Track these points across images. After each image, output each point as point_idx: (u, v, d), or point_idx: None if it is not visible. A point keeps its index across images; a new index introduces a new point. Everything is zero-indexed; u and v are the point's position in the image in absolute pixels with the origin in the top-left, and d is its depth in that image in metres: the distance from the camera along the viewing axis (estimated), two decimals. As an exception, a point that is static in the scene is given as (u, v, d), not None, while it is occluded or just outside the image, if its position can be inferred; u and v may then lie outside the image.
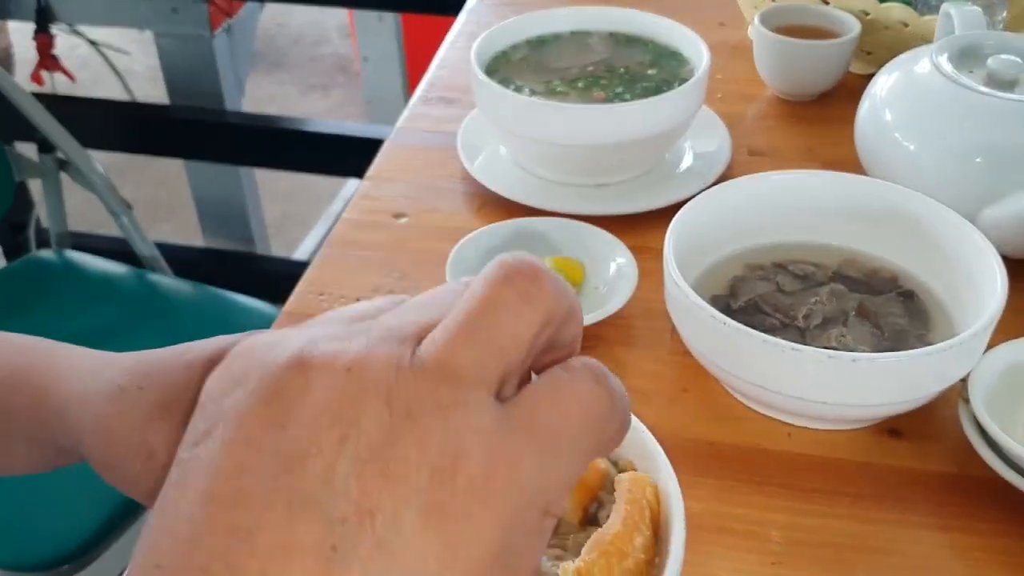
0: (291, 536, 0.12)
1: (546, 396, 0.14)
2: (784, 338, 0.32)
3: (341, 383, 0.13)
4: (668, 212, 0.39)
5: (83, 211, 1.13)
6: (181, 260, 1.00)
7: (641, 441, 0.20)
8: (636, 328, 0.41)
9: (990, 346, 0.34)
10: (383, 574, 0.12)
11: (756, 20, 0.55)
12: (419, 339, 0.14)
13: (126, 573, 0.14)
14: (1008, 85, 0.42)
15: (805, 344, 0.33)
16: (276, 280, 0.88)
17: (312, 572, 0.12)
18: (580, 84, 0.50)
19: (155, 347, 0.29)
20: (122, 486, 0.27)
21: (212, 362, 0.28)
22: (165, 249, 0.95)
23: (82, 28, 1.27)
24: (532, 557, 0.13)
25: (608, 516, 0.18)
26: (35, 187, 1.09)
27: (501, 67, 0.51)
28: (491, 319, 0.14)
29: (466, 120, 0.53)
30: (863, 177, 0.41)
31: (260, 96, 1.86)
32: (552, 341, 0.15)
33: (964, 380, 0.33)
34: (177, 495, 0.13)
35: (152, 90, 1.59)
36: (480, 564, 0.12)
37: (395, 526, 0.12)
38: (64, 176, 0.90)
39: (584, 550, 0.17)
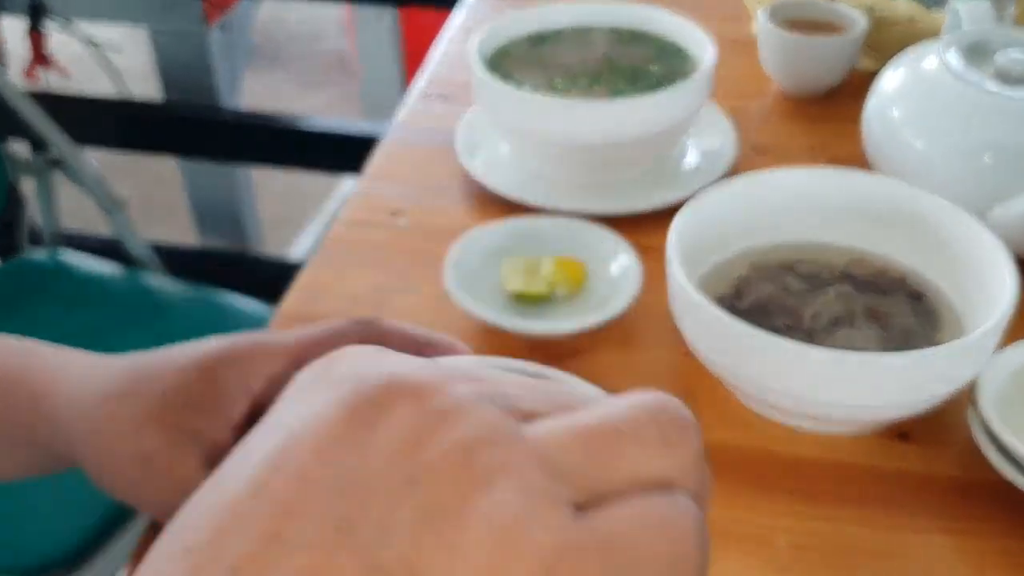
0: (327, 565, 0.11)
1: (629, 515, 0.12)
2: (791, 339, 0.32)
3: (432, 423, 0.12)
4: (671, 210, 0.38)
5: (76, 210, 1.12)
6: (175, 259, 0.99)
7: None
8: (639, 329, 0.40)
9: (1000, 347, 0.33)
10: None
11: (761, 15, 0.54)
12: (525, 418, 0.13)
13: (157, 544, 0.12)
14: (1017, 81, 0.42)
15: (812, 345, 0.32)
16: (271, 280, 0.87)
17: None
18: (582, 80, 0.49)
19: (149, 347, 0.29)
20: (117, 492, 0.27)
21: (206, 365, 0.28)
22: (158, 248, 0.94)
23: (75, 23, 1.26)
24: None
25: None
26: (27, 186, 1.08)
27: (501, 62, 0.50)
28: (618, 440, 0.13)
29: (465, 117, 0.53)
30: (870, 175, 0.41)
31: (256, 93, 1.84)
32: None
33: (973, 382, 0.33)
34: (233, 474, 0.12)
35: (146, 87, 1.58)
36: None
37: None
38: (57, 174, 0.89)
39: None
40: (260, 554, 0.11)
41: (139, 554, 0.31)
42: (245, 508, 0.12)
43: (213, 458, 0.26)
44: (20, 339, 0.30)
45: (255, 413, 0.28)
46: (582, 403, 0.14)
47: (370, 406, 0.12)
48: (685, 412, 0.14)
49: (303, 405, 0.13)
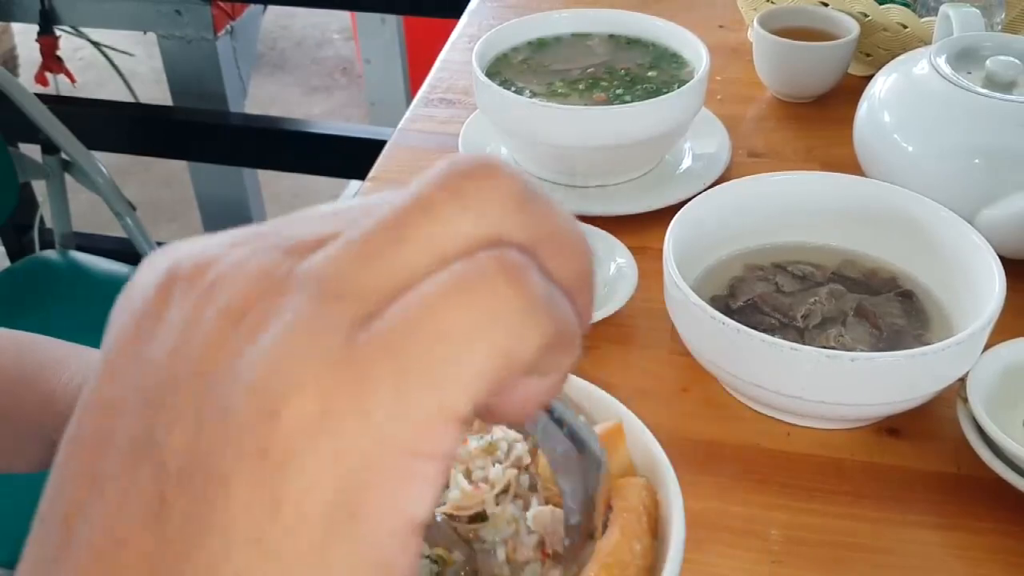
0: (133, 488, 0.10)
1: (417, 304, 0.10)
2: (783, 338, 0.33)
3: (201, 301, 0.11)
4: (668, 213, 0.39)
5: (87, 212, 1.14)
6: (184, 261, 1.00)
7: (641, 441, 0.20)
8: (636, 328, 0.41)
9: (988, 346, 0.34)
10: (201, 532, 0.10)
11: (755, 22, 0.55)
12: (309, 251, 0.11)
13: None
14: (1006, 86, 0.43)
15: (804, 344, 0.33)
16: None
17: (142, 520, 0.10)
18: (581, 86, 0.50)
19: None
20: None
21: None
22: (168, 250, 0.95)
23: (85, 30, 1.28)
24: (398, 512, 0.10)
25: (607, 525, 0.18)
26: (39, 188, 1.10)
27: (502, 69, 0.51)
28: (400, 227, 0.10)
29: (467, 121, 0.54)
30: (862, 178, 0.41)
31: (263, 98, 1.86)
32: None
33: (963, 380, 0.33)
34: (65, 437, 0.12)
35: (155, 92, 1.60)
36: (313, 523, 0.10)
37: (218, 476, 0.10)
38: (68, 177, 0.91)
39: (587, 569, 0.17)
40: (83, 499, 0.11)
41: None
42: (62, 457, 0.12)
43: None
44: (32, 335, 0.30)
45: None
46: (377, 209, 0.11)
47: (153, 304, 0.11)
48: (481, 158, 0.11)
49: (111, 329, 0.12)
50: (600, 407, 0.22)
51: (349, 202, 0.12)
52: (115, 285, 0.86)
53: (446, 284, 0.10)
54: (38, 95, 0.87)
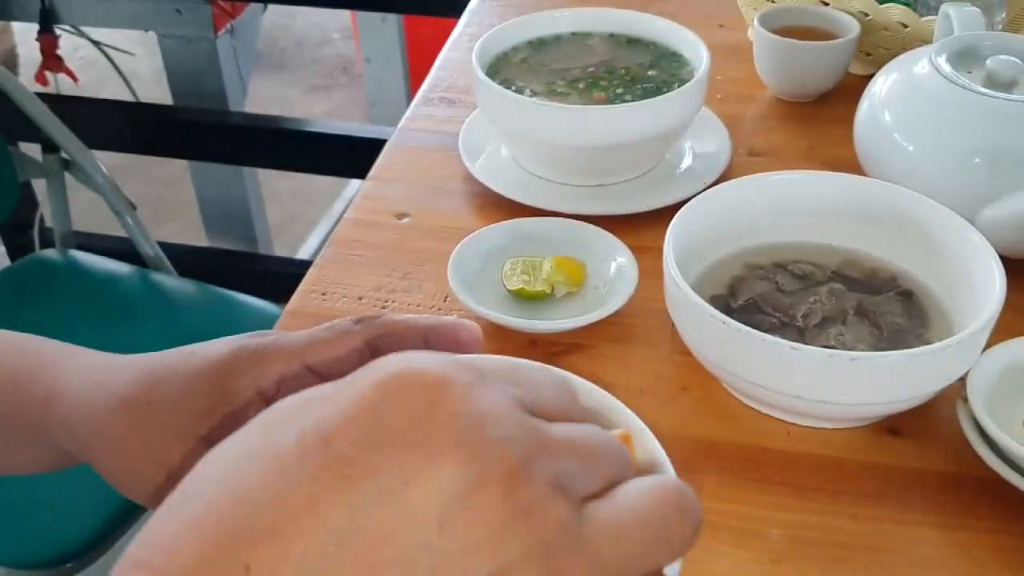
0: None
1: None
2: (783, 337, 0.33)
3: (516, 520, 0.14)
4: (668, 212, 0.39)
5: (87, 211, 1.14)
6: (185, 260, 1.01)
7: (642, 440, 0.20)
8: (636, 327, 0.41)
9: (989, 345, 0.34)
10: None
11: (756, 21, 0.55)
12: (584, 503, 0.15)
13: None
14: (1007, 86, 0.43)
15: (804, 343, 0.33)
16: (279, 280, 0.88)
17: None
18: (581, 85, 0.50)
19: (158, 347, 0.29)
20: (138, 497, 0.27)
21: (217, 372, 0.28)
22: (169, 249, 0.95)
23: (86, 29, 1.27)
24: None
25: None
26: (39, 187, 1.10)
27: (502, 68, 0.51)
28: (651, 543, 0.15)
29: (468, 120, 0.54)
30: (862, 178, 0.41)
31: (263, 97, 1.86)
32: None
33: (963, 379, 0.34)
34: (294, 500, 0.13)
35: (156, 91, 1.60)
36: None
37: None
38: (68, 176, 0.91)
39: None
40: None
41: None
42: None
43: None
44: (32, 337, 0.30)
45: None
46: (619, 470, 0.16)
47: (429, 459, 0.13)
48: (699, 510, 0.16)
49: (387, 441, 0.14)
50: (601, 407, 0.22)
51: (591, 431, 0.16)
52: (114, 284, 0.86)
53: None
54: (38, 94, 0.87)
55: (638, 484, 0.16)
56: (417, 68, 1.39)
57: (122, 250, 0.93)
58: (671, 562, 0.15)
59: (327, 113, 1.89)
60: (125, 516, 0.65)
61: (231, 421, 0.26)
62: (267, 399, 0.27)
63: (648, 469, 0.20)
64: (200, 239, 1.35)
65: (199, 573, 0.12)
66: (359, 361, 0.29)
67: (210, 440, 0.26)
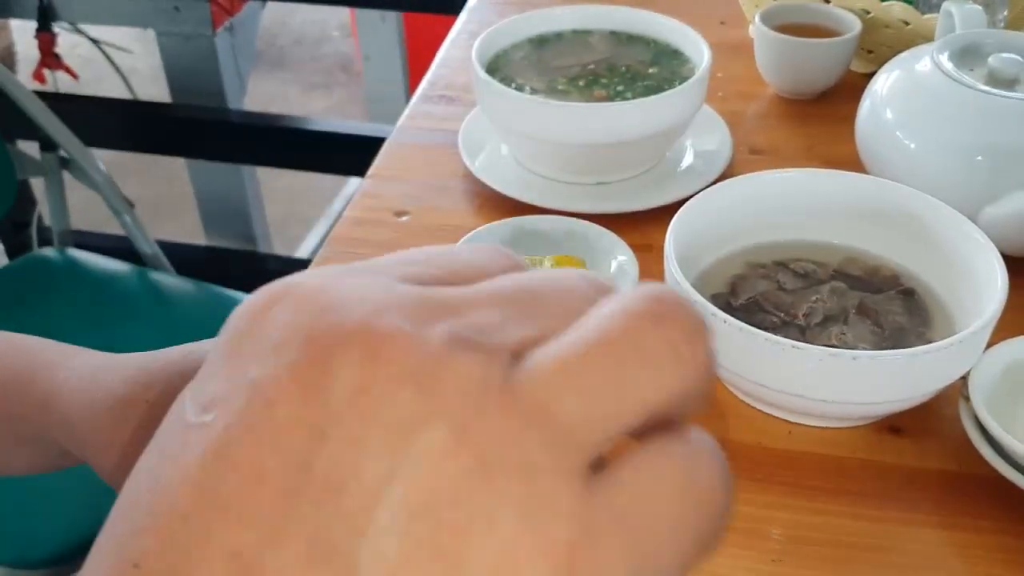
0: None
1: (648, 478, 0.10)
2: (785, 336, 0.32)
3: (407, 395, 0.10)
4: (669, 210, 0.39)
5: (85, 209, 1.14)
6: (183, 258, 1.00)
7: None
8: (637, 326, 0.41)
9: (991, 344, 0.34)
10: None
11: (757, 18, 0.55)
12: (515, 354, 0.10)
13: (96, 557, 0.10)
14: (1009, 84, 0.42)
15: (806, 342, 0.33)
16: (278, 278, 0.88)
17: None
18: (581, 83, 0.50)
19: (157, 346, 0.29)
20: None
21: None
22: (167, 247, 0.95)
23: (84, 27, 1.27)
24: None
25: None
26: (37, 185, 1.09)
27: (502, 66, 0.51)
28: (623, 367, 0.10)
29: (467, 118, 0.53)
30: (864, 176, 0.41)
31: (262, 95, 1.86)
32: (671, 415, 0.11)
33: (965, 378, 0.33)
34: (171, 475, 0.10)
35: (154, 89, 1.59)
36: None
37: None
38: (66, 174, 0.91)
39: None
40: (219, 574, 0.09)
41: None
42: (197, 518, 0.10)
43: None
44: (29, 337, 0.30)
45: None
46: (583, 304, 0.11)
47: (329, 376, 0.10)
48: (690, 312, 0.11)
49: (240, 375, 0.10)
50: None
51: (475, 256, 0.12)
52: (113, 282, 0.86)
53: (669, 470, 0.10)
54: (36, 92, 0.86)
55: (600, 307, 0.11)
56: (416, 66, 1.38)
57: (120, 248, 0.93)
58: (669, 391, 0.10)
59: (326, 111, 1.88)
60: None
61: None
62: None
63: None
64: (199, 237, 1.35)
65: None
66: None
67: None
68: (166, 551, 0.10)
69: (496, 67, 0.51)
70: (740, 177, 0.41)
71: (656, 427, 0.11)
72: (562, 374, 0.10)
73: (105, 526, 0.11)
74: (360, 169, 0.54)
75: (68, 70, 1.21)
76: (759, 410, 0.37)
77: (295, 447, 0.10)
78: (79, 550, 0.63)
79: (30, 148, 0.91)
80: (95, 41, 1.34)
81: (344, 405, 0.10)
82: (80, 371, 0.28)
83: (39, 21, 1.15)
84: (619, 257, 0.42)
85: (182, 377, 0.27)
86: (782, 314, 0.37)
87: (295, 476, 0.10)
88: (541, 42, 0.53)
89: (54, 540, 0.63)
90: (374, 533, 0.09)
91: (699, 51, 0.49)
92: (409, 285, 0.11)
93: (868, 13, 0.55)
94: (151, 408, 0.26)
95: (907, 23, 0.53)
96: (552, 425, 0.10)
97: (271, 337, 0.11)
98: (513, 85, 0.49)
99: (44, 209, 1.01)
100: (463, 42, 0.64)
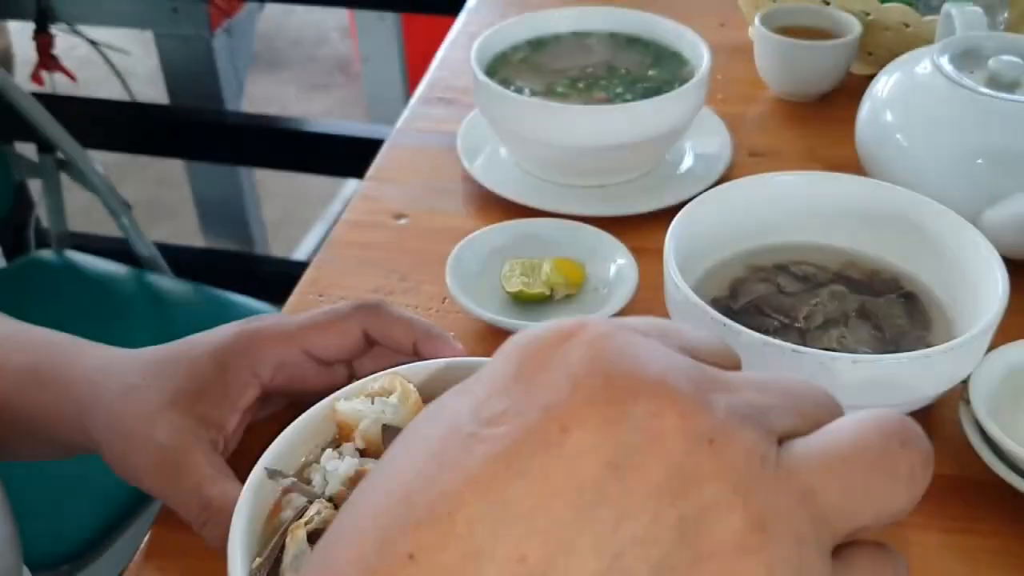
0: None
1: (872, 574, 0.13)
2: (784, 339, 0.32)
3: (699, 451, 0.11)
4: (668, 213, 0.39)
5: (83, 211, 1.13)
6: (181, 260, 1.00)
7: None
8: (636, 329, 0.41)
9: (991, 347, 0.34)
10: None
11: (757, 21, 0.55)
12: (780, 440, 0.13)
13: (344, 548, 0.11)
14: (1009, 86, 0.42)
15: (806, 345, 0.33)
16: (276, 280, 0.88)
17: None
18: (580, 85, 0.50)
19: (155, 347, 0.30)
20: (133, 480, 0.28)
21: (217, 357, 0.29)
22: (165, 249, 0.95)
23: (82, 28, 1.27)
24: None
25: None
26: (35, 187, 1.09)
27: (501, 68, 0.51)
28: (874, 475, 0.13)
29: (466, 121, 0.53)
30: (864, 179, 0.41)
31: (260, 96, 1.86)
32: None
33: (965, 382, 0.33)
34: (451, 477, 0.11)
35: (152, 90, 1.59)
36: None
37: None
38: (64, 176, 0.90)
39: None
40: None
41: (148, 550, 0.32)
42: (480, 525, 0.11)
43: (217, 441, 0.28)
44: (47, 330, 0.32)
45: (264, 397, 0.30)
46: (824, 410, 0.14)
47: (625, 420, 0.11)
48: (927, 443, 0.13)
49: (531, 398, 0.12)
50: None
51: (767, 377, 0.14)
52: (110, 284, 0.86)
53: (881, 565, 0.13)
54: (34, 94, 0.86)
55: (851, 418, 0.13)
56: (415, 67, 1.38)
57: (118, 250, 0.92)
58: (899, 505, 0.13)
59: (325, 112, 1.88)
60: (125, 516, 0.65)
61: (227, 403, 0.27)
62: (263, 382, 0.28)
63: None
64: (196, 239, 1.35)
65: (357, 570, 0.11)
66: (355, 347, 0.30)
67: (206, 420, 0.27)
68: (447, 546, 0.11)
69: (495, 69, 0.50)
70: (740, 180, 0.40)
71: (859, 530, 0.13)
72: (828, 467, 0.13)
73: (345, 521, 0.12)
74: (358, 171, 0.54)
75: (66, 72, 1.21)
76: (759, 414, 0.37)
77: (590, 472, 0.11)
78: (79, 551, 0.63)
79: (28, 150, 0.90)
80: (93, 43, 1.34)
81: (637, 445, 0.11)
82: (96, 363, 0.30)
83: (37, 22, 1.15)
84: (618, 260, 0.42)
85: (186, 364, 0.28)
86: (782, 317, 0.37)
87: (590, 497, 0.11)
88: (540, 44, 0.53)
89: (53, 540, 0.63)
90: (657, 559, 0.11)
91: (699, 53, 0.49)
92: (685, 356, 0.13)
93: (868, 15, 0.55)
94: (154, 396, 0.28)
95: (907, 25, 0.53)
96: (818, 507, 0.12)
97: (566, 369, 0.12)
98: (512, 87, 0.48)
99: (42, 211, 1.00)
100: (462, 44, 0.64)
